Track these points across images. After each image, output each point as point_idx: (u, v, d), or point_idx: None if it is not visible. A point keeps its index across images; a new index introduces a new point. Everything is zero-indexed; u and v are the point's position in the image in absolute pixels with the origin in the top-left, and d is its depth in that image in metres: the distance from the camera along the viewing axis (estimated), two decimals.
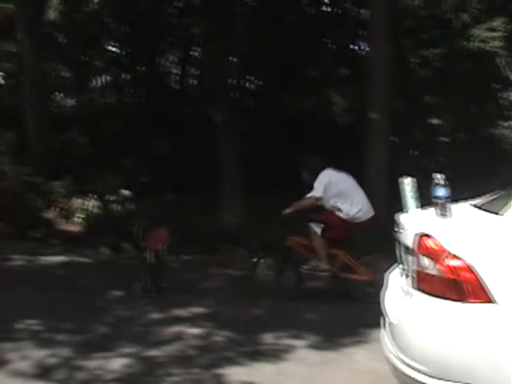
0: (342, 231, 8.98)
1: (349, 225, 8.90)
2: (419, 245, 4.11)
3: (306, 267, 9.62)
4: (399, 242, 4.80)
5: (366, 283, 8.79)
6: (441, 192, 4.35)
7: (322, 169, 9.20)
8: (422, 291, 4.10)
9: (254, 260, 9.67)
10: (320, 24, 17.72)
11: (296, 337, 7.03)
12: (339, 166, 9.42)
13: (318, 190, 8.97)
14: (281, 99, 22.06)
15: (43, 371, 5.90)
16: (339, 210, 8.90)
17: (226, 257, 12.26)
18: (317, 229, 8.93)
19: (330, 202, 8.96)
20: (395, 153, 16.14)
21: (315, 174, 9.13)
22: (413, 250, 4.23)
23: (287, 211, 9.10)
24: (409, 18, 19.66)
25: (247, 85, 21.68)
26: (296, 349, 6.61)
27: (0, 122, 15.90)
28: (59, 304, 8.25)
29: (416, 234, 4.18)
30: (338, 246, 9.03)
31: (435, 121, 20.23)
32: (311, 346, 6.74)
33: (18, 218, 13.14)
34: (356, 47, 19.93)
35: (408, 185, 5.10)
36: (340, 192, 8.98)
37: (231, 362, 6.23)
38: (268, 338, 7.01)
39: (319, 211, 9.18)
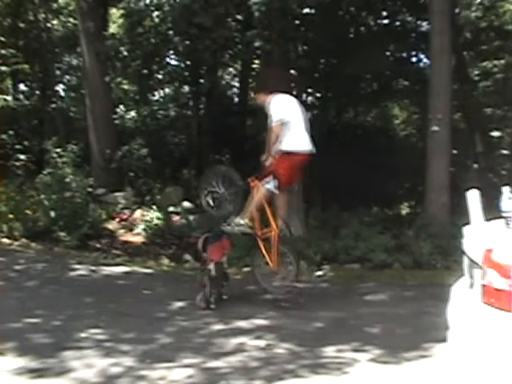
0: (289, 170, 8.73)
1: (292, 159, 8.63)
2: (486, 258, 4.06)
3: (226, 225, 9.18)
4: (465, 255, 4.75)
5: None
6: (509, 205, 4.30)
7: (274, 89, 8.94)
8: (489, 305, 4.04)
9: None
10: (379, 37, 17.66)
11: (358, 350, 6.96)
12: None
13: (277, 114, 8.57)
14: (340, 112, 22.10)
15: (106, 380, 5.95)
16: (281, 140, 8.58)
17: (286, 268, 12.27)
18: (268, 185, 8.67)
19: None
20: (455, 165, 16.00)
21: (269, 93, 8.87)
22: (479, 263, 4.18)
23: (269, 162, 8.77)
24: (469, 30, 19.51)
25: (307, 98, 21.70)
26: (358, 362, 6.54)
27: (64, 134, 16.19)
28: (122, 314, 8.39)
29: (483, 248, 4.13)
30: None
31: (495, 133, 20.01)
32: (373, 359, 6.65)
33: (81, 229, 13.33)
34: (415, 59, 19.83)
35: (474, 198, 5.04)
36: (288, 118, 8.64)
37: (293, 374, 6.18)
38: (330, 350, 6.94)
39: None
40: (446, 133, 13.40)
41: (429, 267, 11.91)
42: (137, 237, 14.34)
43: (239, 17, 17.42)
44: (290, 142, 8.64)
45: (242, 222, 8.90)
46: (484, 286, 4.09)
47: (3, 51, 20.85)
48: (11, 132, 19.75)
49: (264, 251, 8.95)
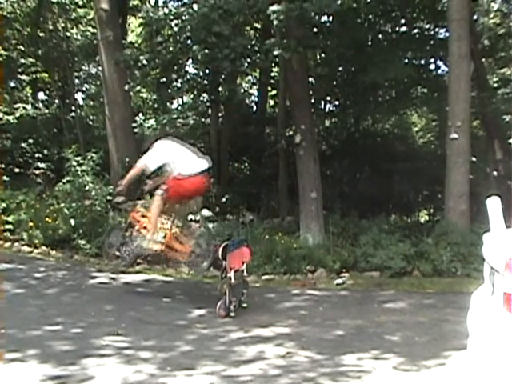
0: (181, 189, 9.69)
1: (186, 182, 9.60)
2: (507, 266, 4.04)
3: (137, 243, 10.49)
4: (486, 262, 4.72)
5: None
6: None
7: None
8: (510, 313, 4.02)
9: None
10: (397, 44, 17.64)
11: (378, 358, 6.95)
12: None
13: (143, 160, 9.95)
14: (359, 119, 22.09)
15: None
16: (173, 172, 9.68)
17: (306, 277, 12.28)
18: (160, 191, 9.71)
19: (166, 167, 9.83)
20: (474, 173, 15.95)
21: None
22: (501, 270, 4.16)
23: (120, 188, 10.30)
24: (487, 37, 19.47)
25: (326, 106, 21.74)
26: (378, 370, 6.54)
27: (83, 142, 16.22)
28: (142, 321, 8.42)
29: (504, 255, 4.11)
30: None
31: None
32: (393, 367, 6.64)
33: (101, 237, 13.36)
34: (433, 66, 19.81)
35: (494, 205, 5.02)
36: (172, 157, 9.74)
37: (313, 382, 6.17)
38: (350, 358, 6.93)
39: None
40: (465, 140, 13.38)
41: (448, 275, 11.90)
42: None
43: (258, 25, 17.48)
44: (183, 172, 9.60)
45: (154, 237, 10.22)
46: (505, 293, 4.07)
47: (23, 60, 21.03)
48: (31, 140, 19.88)
49: (173, 252, 10.36)
